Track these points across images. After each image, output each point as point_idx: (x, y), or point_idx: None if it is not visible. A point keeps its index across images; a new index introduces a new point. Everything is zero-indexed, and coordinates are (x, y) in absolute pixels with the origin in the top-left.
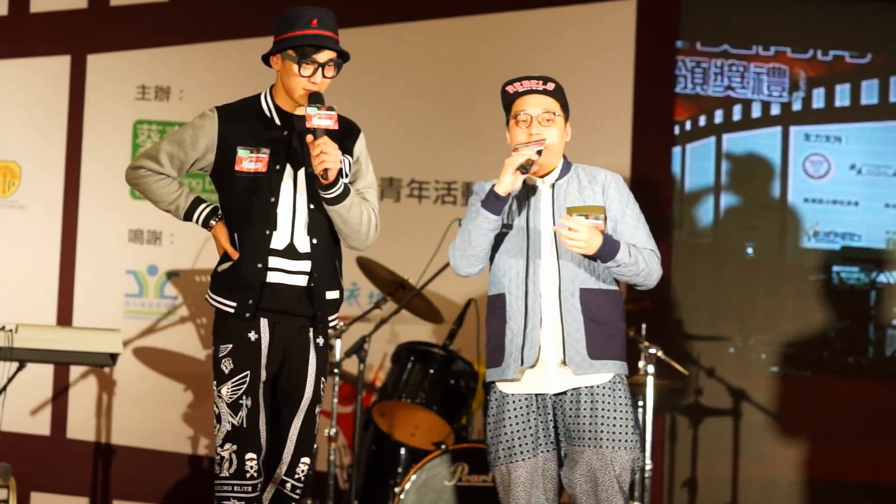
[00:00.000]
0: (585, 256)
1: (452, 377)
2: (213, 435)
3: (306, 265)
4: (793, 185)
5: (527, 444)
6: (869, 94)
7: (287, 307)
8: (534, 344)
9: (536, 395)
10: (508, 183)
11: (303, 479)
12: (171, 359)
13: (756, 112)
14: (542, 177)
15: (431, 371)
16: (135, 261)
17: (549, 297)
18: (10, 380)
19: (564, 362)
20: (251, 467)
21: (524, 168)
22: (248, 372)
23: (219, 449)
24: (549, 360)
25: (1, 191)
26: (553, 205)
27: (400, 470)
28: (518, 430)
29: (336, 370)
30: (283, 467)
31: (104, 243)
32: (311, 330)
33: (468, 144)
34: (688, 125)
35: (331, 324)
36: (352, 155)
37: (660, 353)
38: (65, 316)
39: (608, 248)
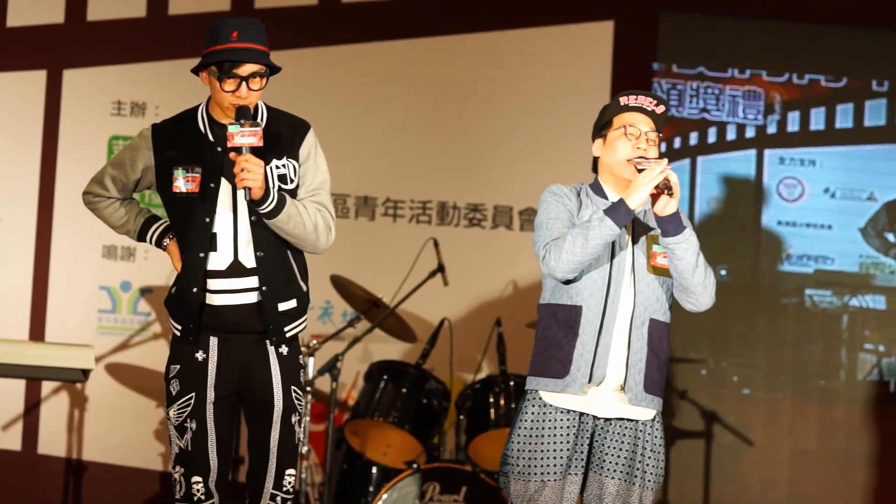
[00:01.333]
0: (657, 221)
1: (425, 396)
2: None
3: (254, 281)
4: (767, 208)
5: (560, 465)
6: (844, 118)
7: (237, 326)
8: (602, 363)
9: (581, 413)
10: (642, 199)
11: (291, 490)
12: (144, 375)
13: (731, 135)
14: None
15: (404, 390)
16: (108, 276)
17: (622, 321)
18: None
19: (623, 388)
20: (198, 490)
21: (668, 189)
22: (194, 394)
23: (172, 471)
24: (608, 384)
25: None
26: (633, 228)
27: (371, 489)
28: (556, 450)
29: (308, 388)
30: (271, 481)
31: (78, 259)
32: (269, 342)
33: (443, 164)
34: (663, 147)
35: (289, 333)
36: (297, 158)
37: None
38: (37, 331)
39: (679, 220)
